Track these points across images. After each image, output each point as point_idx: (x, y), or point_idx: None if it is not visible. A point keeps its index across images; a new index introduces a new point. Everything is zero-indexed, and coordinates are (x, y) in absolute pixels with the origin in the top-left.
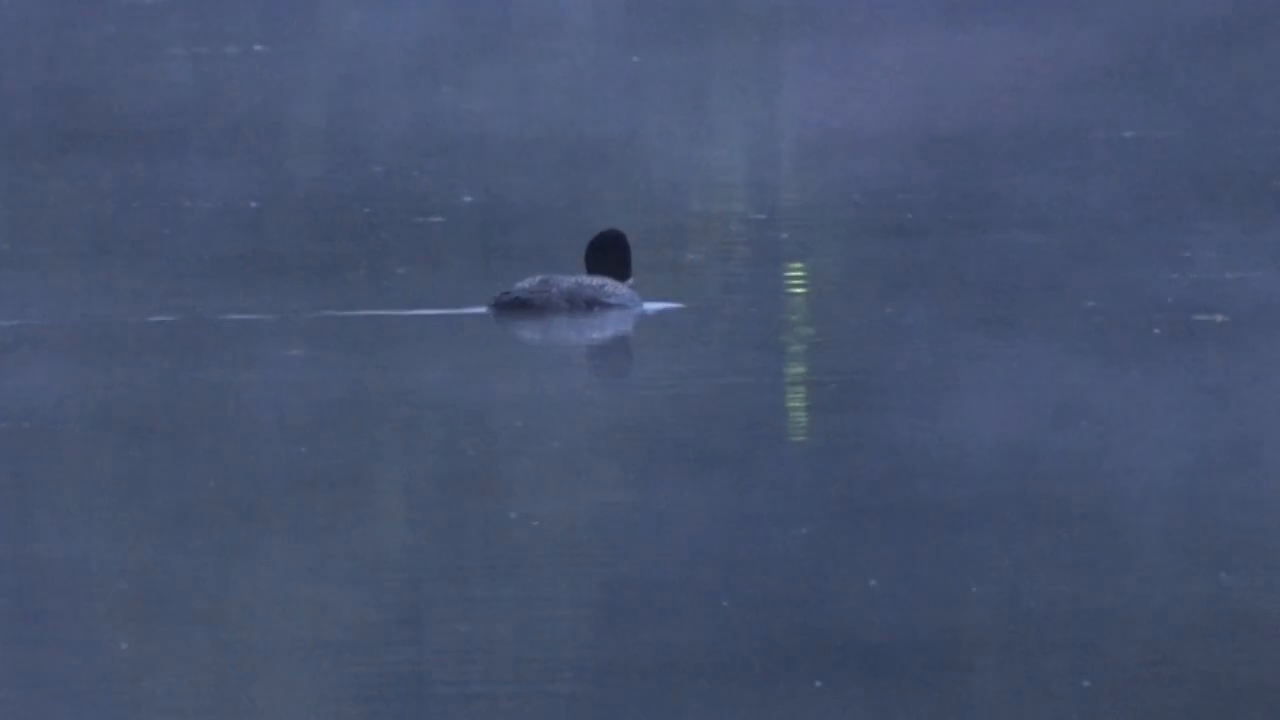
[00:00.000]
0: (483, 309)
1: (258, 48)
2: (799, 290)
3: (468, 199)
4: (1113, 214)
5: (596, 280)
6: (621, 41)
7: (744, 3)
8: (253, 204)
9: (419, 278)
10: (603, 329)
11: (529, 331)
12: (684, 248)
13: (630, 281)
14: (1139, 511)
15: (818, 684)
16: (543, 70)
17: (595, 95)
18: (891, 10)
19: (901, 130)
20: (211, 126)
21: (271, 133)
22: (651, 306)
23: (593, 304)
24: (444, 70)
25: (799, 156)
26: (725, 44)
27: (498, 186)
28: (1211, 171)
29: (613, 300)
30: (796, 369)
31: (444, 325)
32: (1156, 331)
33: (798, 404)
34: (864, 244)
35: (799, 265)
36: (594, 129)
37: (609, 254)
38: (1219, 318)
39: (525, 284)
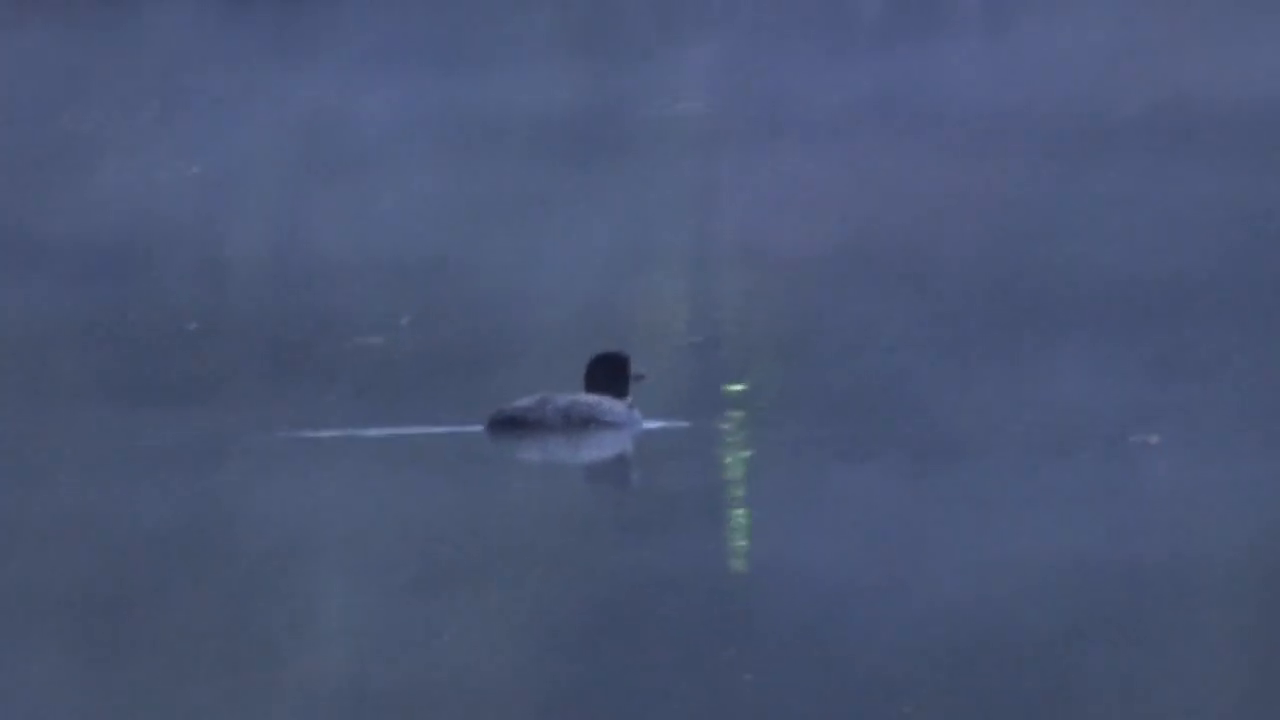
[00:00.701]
0: (478, 427)
1: (195, 169)
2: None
3: (404, 320)
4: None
5: (593, 398)
6: (532, 161)
7: (664, 117)
8: (192, 325)
9: (391, 396)
10: (598, 448)
11: (524, 452)
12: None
13: (629, 400)
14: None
15: None
16: (471, 187)
17: (506, 218)
18: (817, 120)
19: (813, 247)
20: (146, 248)
21: (211, 258)
22: (651, 425)
23: (588, 422)
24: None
25: (716, 275)
26: (644, 158)
27: (431, 310)
28: (1078, 287)
29: (609, 419)
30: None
31: (440, 443)
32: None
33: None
34: (799, 365)
35: (739, 385)
36: (505, 252)
37: (607, 373)
38: (1152, 438)
39: (523, 402)
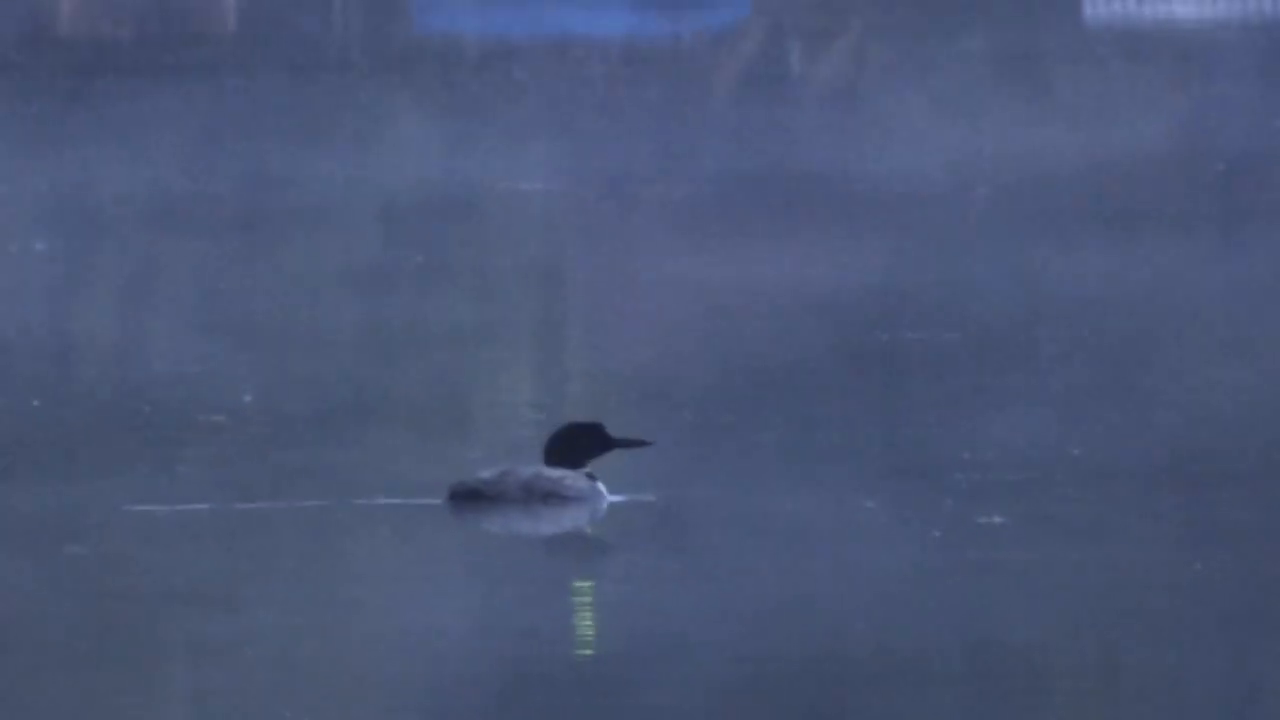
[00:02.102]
0: (438, 500)
1: (39, 246)
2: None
3: (248, 398)
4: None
5: (556, 472)
6: (372, 235)
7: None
8: (35, 403)
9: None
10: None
11: (486, 524)
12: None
13: (586, 471)
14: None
15: None
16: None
17: (352, 290)
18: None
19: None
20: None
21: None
22: (615, 499)
23: (549, 496)
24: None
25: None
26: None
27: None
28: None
29: (570, 494)
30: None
31: (399, 515)
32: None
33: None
34: None
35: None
36: (350, 327)
37: (565, 445)
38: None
39: (485, 474)
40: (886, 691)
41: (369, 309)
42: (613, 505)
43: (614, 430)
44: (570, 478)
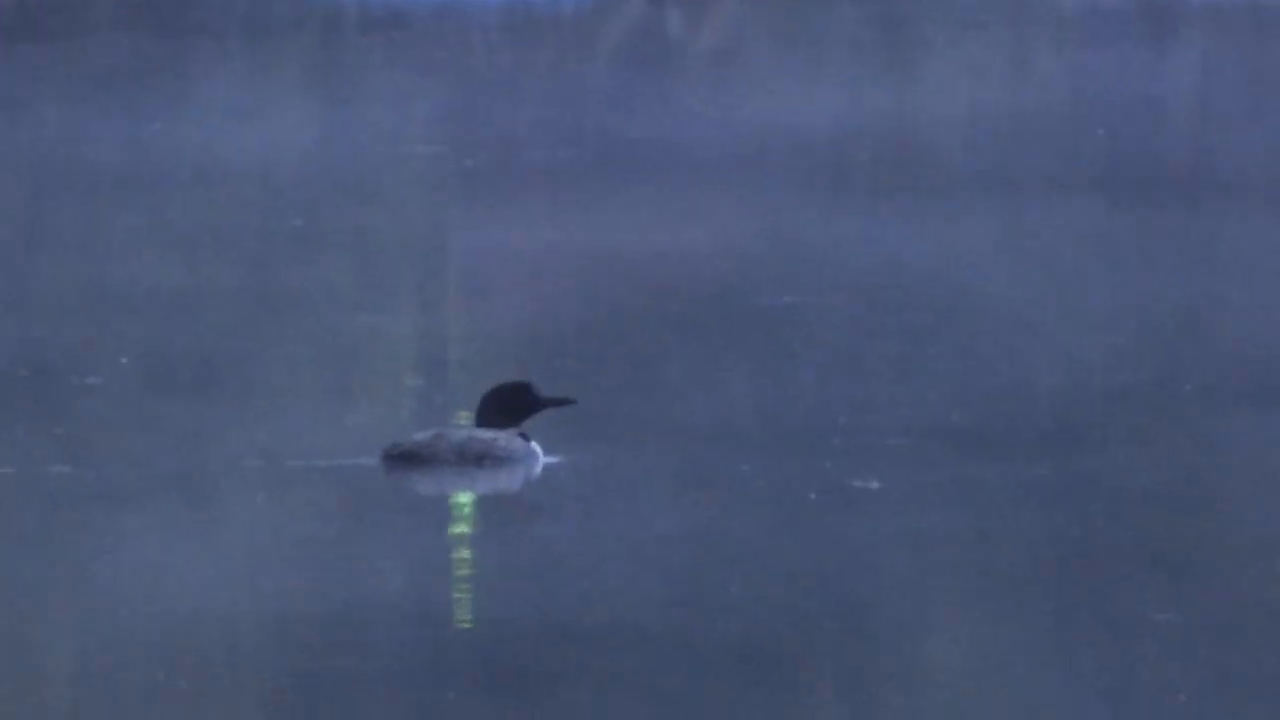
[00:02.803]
0: (373, 460)
1: None
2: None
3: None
4: None
5: (489, 434)
6: (264, 199)
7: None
8: None
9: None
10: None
11: (419, 485)
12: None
13: (518, 431)
14: None
15: None
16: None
17: (244, 254)
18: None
19: None
20: None
21: None
22: (549, 460)
23: (483, 458)
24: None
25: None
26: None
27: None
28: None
29: (503, 454)
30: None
31: (333, 475)
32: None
33: None
34: None
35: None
36: (239, 289)
37: (497, 405)
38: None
39: (419, 437)
40: (751, 650)
41: (248, 273)
42: (547, 466)
43: (539, 390)
44: (503, 439)
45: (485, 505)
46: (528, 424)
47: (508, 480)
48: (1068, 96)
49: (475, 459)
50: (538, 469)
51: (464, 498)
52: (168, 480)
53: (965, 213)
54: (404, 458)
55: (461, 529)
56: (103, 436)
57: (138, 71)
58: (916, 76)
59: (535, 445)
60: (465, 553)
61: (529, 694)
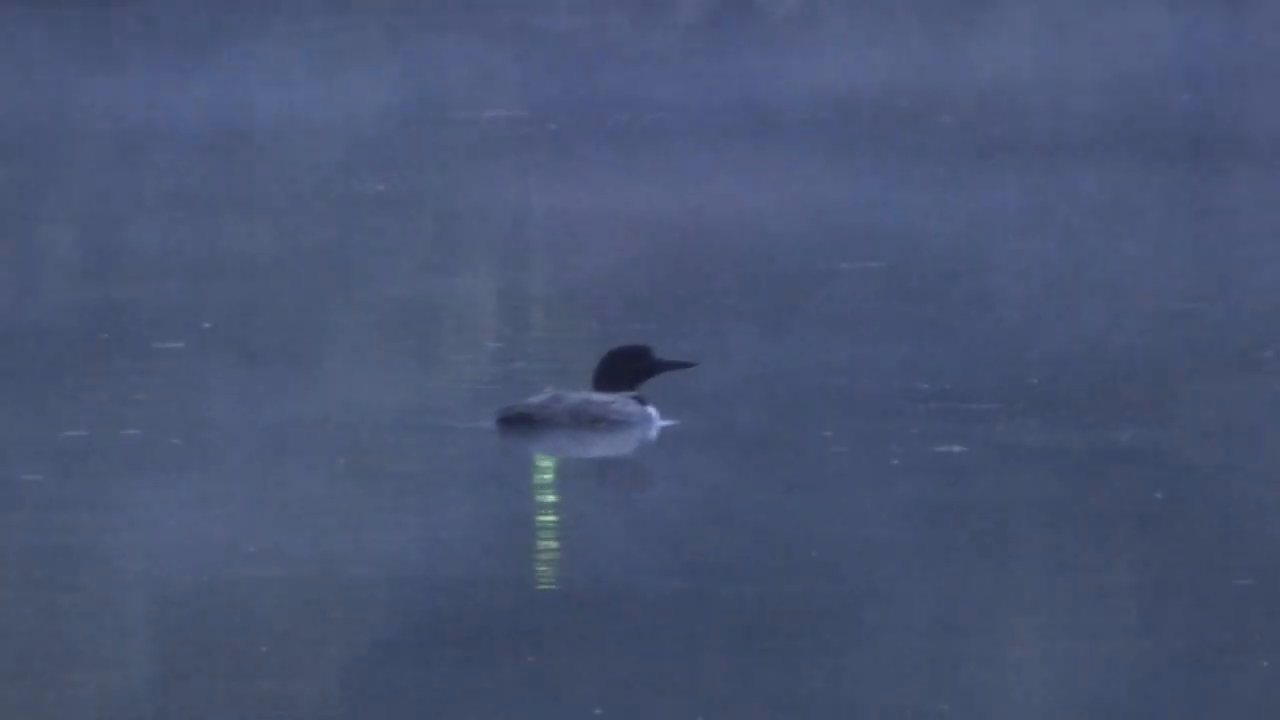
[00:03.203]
0: (489, 423)
1: None
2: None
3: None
4: None
5: (604, 397)
6: (344, 163)
7: None
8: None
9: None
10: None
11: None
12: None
13: (636, 394)
14: None
15: None
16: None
17: (326, 219)
18: None
19: None
20: None
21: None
22: (665, 423)
23: (598, 421)
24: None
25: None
26: None
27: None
28: None
29: (618, 418)
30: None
31: (450, 438)
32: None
33: None
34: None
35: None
36: (323, 253)
37: (616, 368)
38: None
39: (534, 399)
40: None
41: (330, 237)
42: (664, 429)
43: (658, 353)
44: (618, 402)
45: (590, 469)
46: (645, 386)
47: (620, 444)
48: (1145, 59)
49: (590, 422)
50: (654, 432)
51: (568, 461)
52: (265, 443)
53: (1039, 176)
54: (519, 420)
55: (566, 492)
56: (188, 400)
57: (218, 37)
58: (993, 39)
59: (652, 409)
60: (562, 516)
61: (607, 656)
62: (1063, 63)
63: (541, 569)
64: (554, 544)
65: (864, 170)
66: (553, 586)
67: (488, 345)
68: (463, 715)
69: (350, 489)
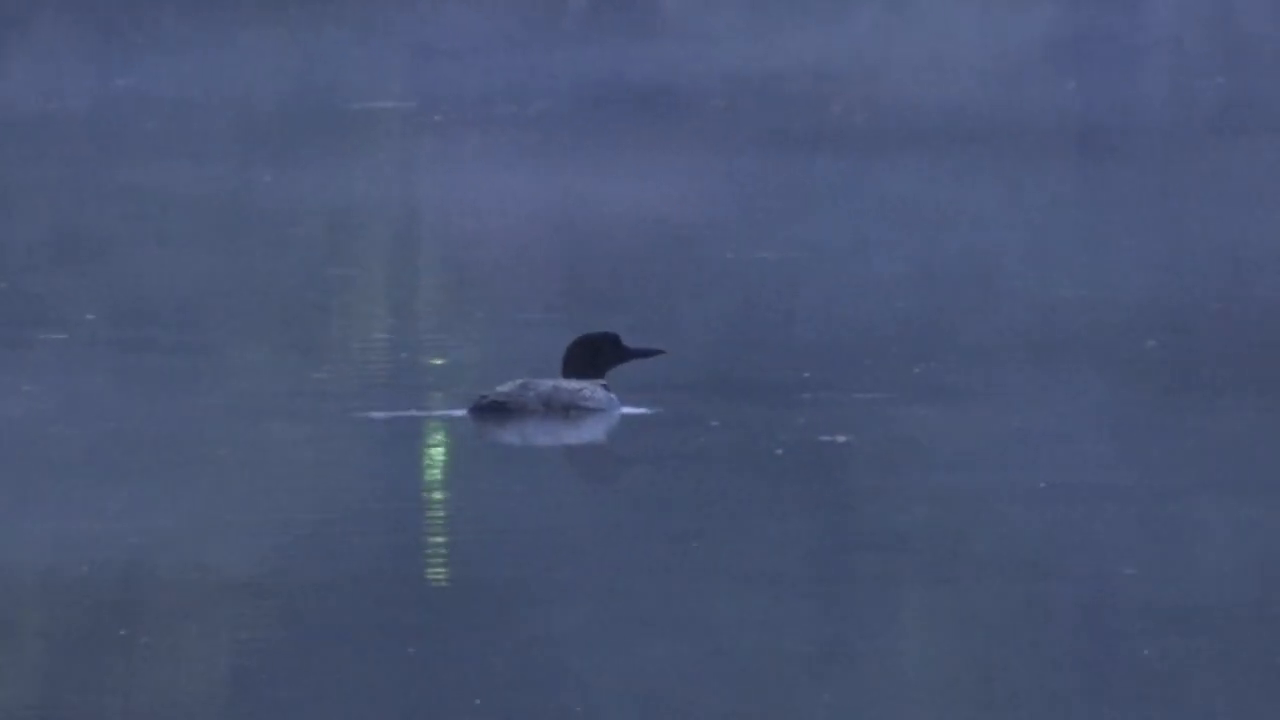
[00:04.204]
0: (461, 412)
1: None
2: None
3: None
4: None
5: (574, 384)
6: (234, 150)
7: None
8: None
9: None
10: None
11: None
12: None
13: (603, 383)
14: None
15: None
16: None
17: (213, 209)
18: None
19: None
20: None
21: None
22: (628, 410)
23: (569, 408)
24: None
25: None
26: None
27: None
28: None
29: (589, 405)
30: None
31: (417, 427)
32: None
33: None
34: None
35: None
36: (203, 241)
37: (583, 356)
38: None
39: (504, 388)
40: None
41: (218, 227)
42: (625, 416)
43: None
44: (588, 389)
45: (569, 456)
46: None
47: (591, 431)
48: (1033, 48)
49: (562, 409)
50: (617, 418)
51: (551, 448)
52: (150, 435)
53: (928, 165)
54: (492, 409)
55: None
56: (74, 390)
57: (108, 26)
58: (886, 23)
59: (614, 396)
60: (461, 506)
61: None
62: (952, 48)
63: (437, 561)
64: (450, 535)
65: (752, 157)
66: (444, 577)
67: (375, 336)
68: (340, 708)
69: (237, 479)
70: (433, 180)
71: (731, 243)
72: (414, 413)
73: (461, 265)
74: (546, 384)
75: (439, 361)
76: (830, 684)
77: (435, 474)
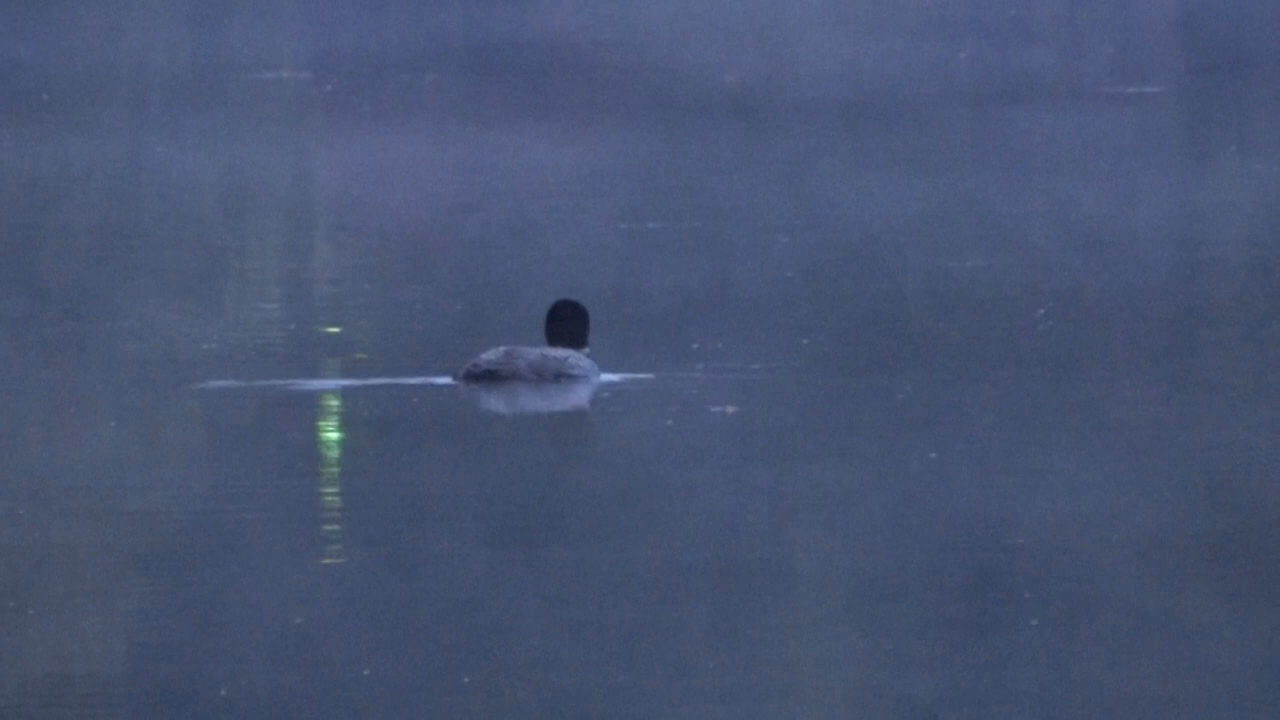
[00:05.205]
0: (447, 379)
1: None
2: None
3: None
4: None
5: (561, 352)
6: (128, 119)
7: None
8: None
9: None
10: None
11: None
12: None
13: (586, 351)
14: None
15: None
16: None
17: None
18: None
19: None
20: None
21: None
22: (609, 378)
23: (559, 376)
24: None
25: None
26: None
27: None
28: None
29: (577, 372)
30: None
31: (410, 394)
32: None
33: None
34: None
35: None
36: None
37: (567, 323)
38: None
39: (490, 355)
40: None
41: (108, 199)
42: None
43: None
44: (574, 357)
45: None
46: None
47: (579, 395)
48: (930, 10)
49: (553, 376)
50: (599, 385)
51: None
52: (41, 399)
53: (798, 127)
54: (483, 376)
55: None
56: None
57: None
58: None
59: (595, 364)
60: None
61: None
62: (841, 11)
63: (329, 533)
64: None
65: (641, 123)
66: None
67: (265, 305)
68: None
69: (107, 450)
70: (325, 150)
71: (626, 214)
72: (395, 380)
73: (355, 235)
74: (534, 352)
75: (333, 330)
76: (781, 621)
77: (330, 446)
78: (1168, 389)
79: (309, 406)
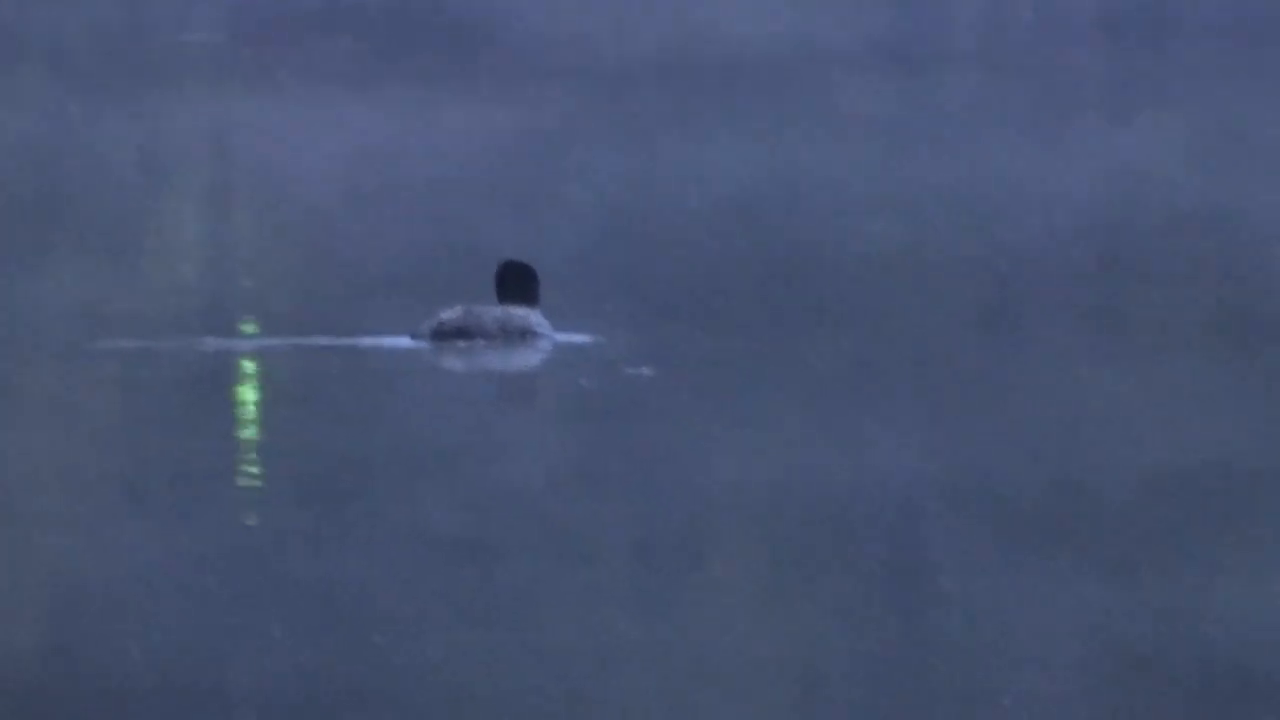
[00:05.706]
0: (407, 339)
1: None
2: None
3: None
4: None
5: (522, 310)
6: (48, 84)
7: None
8: None
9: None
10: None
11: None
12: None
13: (538, 310)
14: None
15: None
16: None
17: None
18: None
19: None
20: None
21: None
22: (561, 337)
23: (525, 334)
24: None
25: None
26: None
27: None
28: None
29: (540, 330)
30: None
31: (380, 357)
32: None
33: None
34: None
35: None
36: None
37: (519, 283)
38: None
39: (451, 314)
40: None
41: (25, 162)
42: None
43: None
44: (534, 315)
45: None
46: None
47: (539, 353)
48: None
49: (519, 334)
50: (557, 344)
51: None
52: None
53: (724, 93)
54: (454, 334)
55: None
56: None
57: None
58: None
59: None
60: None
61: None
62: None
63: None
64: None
65: (565, 91)
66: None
67: (182, 269)
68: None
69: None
70: (243, 112)
71: (550, 177)
72: (358, 340)
73: (273, 202)
74: (494, 310)
75: (248, 285)
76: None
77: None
78: (1013, 351)
79: (220, 366)
